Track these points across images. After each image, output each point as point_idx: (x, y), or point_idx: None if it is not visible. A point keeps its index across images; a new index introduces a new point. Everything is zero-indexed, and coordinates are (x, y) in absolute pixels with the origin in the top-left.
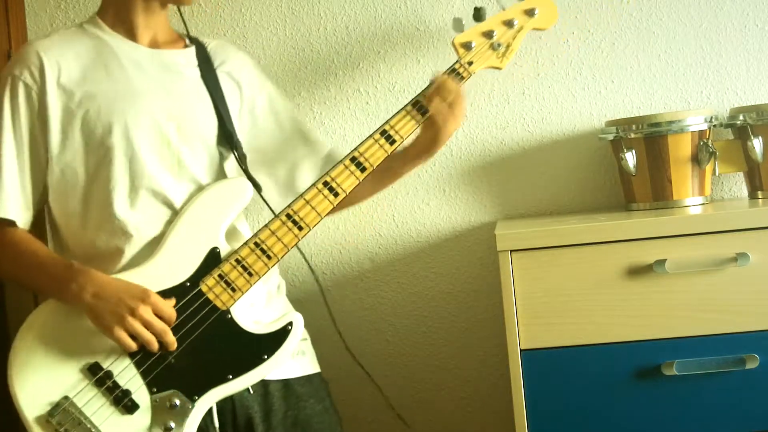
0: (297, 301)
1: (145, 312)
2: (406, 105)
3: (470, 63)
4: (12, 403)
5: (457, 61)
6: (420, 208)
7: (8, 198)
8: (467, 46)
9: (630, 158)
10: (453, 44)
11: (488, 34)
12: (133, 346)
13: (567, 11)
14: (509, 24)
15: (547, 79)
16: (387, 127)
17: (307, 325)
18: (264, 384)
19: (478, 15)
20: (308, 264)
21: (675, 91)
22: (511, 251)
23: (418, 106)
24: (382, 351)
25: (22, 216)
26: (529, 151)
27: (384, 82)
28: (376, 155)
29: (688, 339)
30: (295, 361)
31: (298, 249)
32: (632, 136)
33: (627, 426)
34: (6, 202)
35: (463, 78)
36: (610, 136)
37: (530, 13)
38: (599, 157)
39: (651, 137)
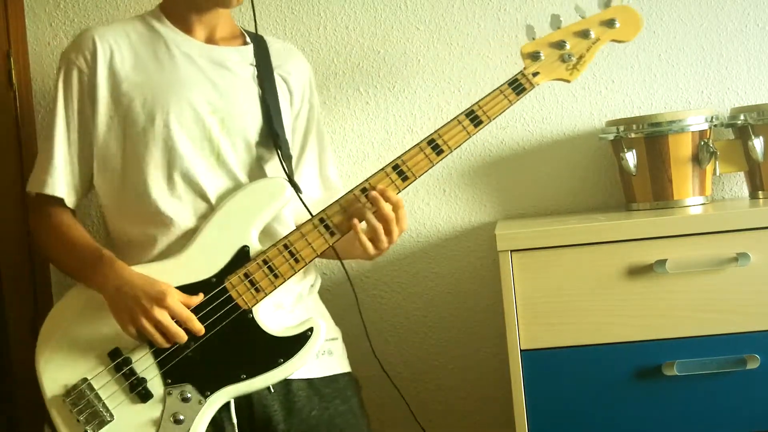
0: (329, 299)
1: (159, 314)
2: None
3: (535, 74)
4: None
5: (520, 72)
6: (420, 208)
7: (59, 177)
8: (534, 56)
9: (630, 158)
10: (521, 53)
11: (559, 45)
12: (140, 341)
13: (567, 12)
14: (584, 34)
15: None
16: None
17: (338, 325)
18: (286, 383)
19: (554, 23)
20: (343, 265)
21: (675, 90)
22: (511, 251)
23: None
24: (381, 351)
25: (69, 196)
26: (529, 151)
27: (384, 82)
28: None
29: (689, 339)
30: (320, 360)
31: (334, 250)
32: (632, 136)
33: (627, 426)
34: (56, 181)
35: (525, 89)
36: (611, 136)
37: (609, 23)
38: (599, 157)
39: (651, 137)
